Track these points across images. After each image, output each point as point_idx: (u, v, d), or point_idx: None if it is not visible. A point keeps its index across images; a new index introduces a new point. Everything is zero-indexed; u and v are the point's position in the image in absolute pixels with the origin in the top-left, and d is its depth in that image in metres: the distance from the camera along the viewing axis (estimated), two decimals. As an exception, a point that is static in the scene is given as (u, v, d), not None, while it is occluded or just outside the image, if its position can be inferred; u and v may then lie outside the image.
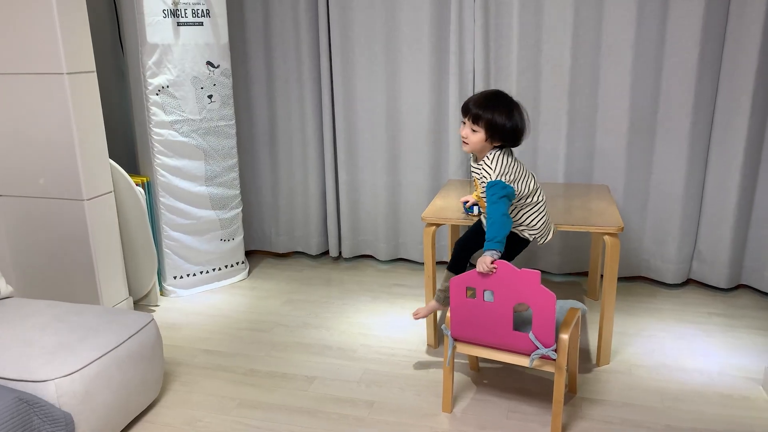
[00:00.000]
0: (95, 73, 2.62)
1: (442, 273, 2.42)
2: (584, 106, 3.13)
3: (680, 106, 2.99)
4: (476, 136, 2.01)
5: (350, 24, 3.31)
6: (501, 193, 1.98)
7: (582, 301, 3.08)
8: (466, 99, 2.09)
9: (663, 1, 2.89)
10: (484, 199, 2.06)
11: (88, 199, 2.60)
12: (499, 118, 1.97)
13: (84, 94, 2.56)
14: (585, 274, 3.39)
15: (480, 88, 3.21)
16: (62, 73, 2.46)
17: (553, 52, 3.09)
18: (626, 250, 3.26)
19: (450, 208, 2.60)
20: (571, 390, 2.27)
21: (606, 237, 2.30)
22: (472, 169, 2.16)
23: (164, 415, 2.19)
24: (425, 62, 3.26)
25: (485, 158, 2.05)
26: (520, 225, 2.16)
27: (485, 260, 1.92)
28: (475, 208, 2.43)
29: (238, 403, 2.25)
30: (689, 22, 2.87)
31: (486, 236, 1.98)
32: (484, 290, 1.95)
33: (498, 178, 1.99)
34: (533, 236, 2.18)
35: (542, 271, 3.44)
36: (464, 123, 2.04)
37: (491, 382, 2.36)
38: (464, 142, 2.05)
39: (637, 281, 3.33)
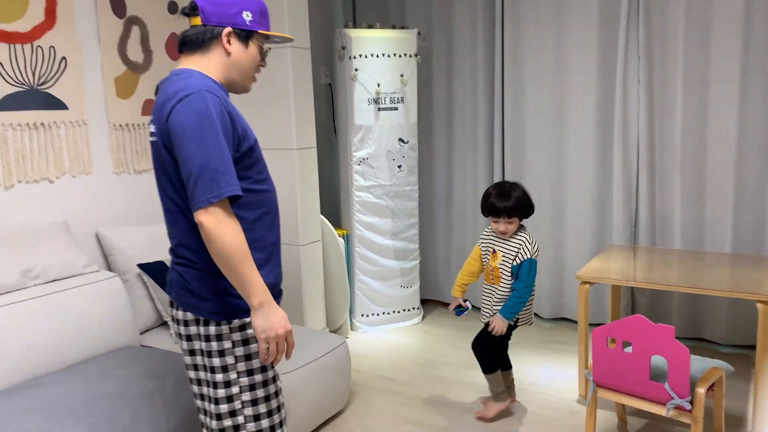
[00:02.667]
0: (315, 149, 3.38)
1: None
2: (752, 179, 3.19)
3: None
4: (513, 224, 2.51)
5: (522, 106, 3.77)
6: (535, 273, 2.51)
7: (750, 374, 3.05)
8: (491, 199, 2.51)
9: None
10: (504, 269, 2.54)
11: (303, 245, 3.32)
12: (520, 200, 2.49)
13: (306, 164, 3.32)
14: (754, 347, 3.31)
15: (644, 160, 3.42)
16: (293, 149, 3.25)
17: (718, 127, 3.23)
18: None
19: (609, 269, 2.84)
20: (717, 450, 2.35)
21: (759, 305, 2.39)
22: (493, 240, 2.61)
23: (347, 422, 2.72)
24: (590, 137, 3.57)
25: (519, 235, 2.54)
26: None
27: (503, 327, 2.50)
28: (465, 309, 2.76)
29: (406, 421, 2.70)
30: None
31: (508, 304, 2.49)
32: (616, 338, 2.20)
33: (533, 257, 2.50)
34: (519, 319, 2.61)
35: (707, 341, 3.44)
36: (497, 222, 2.52)
37: (636, 434, 2.52)
38: (505, 234, 2.53)
39: (819, 360, 3.17)
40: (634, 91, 3.42)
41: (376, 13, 4.26)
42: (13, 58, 2.46)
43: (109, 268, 2.79)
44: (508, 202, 2.46)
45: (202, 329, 1.57)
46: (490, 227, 2.64)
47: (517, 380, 3.08)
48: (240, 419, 1.57)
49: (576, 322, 3.86)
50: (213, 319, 1.55)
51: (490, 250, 2.61)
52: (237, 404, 1.57)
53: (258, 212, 1.59)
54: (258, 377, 1.58)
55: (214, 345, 1.56)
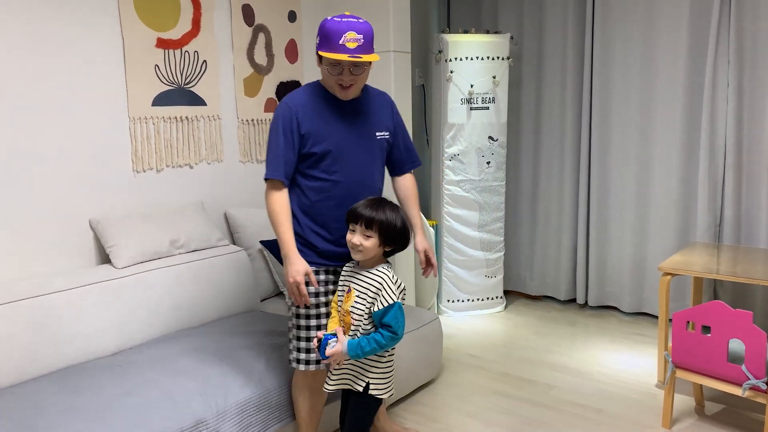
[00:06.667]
0: (411, 144, 3.69)
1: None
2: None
3: None
4: (370, 242, 1.93)
5: (609, 106, 3.93)
6: (402, 322, 1.92)
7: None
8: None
9: None
10: (357, 312, 1.96)
11: (397, 232, 3.64)
12: (390, 219, 1.93)
13: (403, 158, 3.64)
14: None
15: (732, 161, 3.51)
16: (392, 144, 3.57)
17: (809, 130, 3.28)
18: None
19: (692, 262, 2.97)
20: (794, 434, 2.46)
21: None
22: (352, 275, 2.03)
23: (439, 389, 3.01)
24: (677, 137, 3.70)
25: (381, 269, 1.97)
26: (386, 374, 2.02)
27: (340, 359, 1.92)
28: (332, 343, 1.95)
29: (492, 392, 2.97)
30: None
31: (362, 342, 1.90)
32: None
33: (399, 301, 1.93)
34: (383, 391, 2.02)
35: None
36: (353, 231, 1.96)
37: (713, 416, 2.67)
38: (357, 250, 1.95)
39: None
40: (722, 93, 3.52)
41: (469, 19, 4.53)
42: (167, 62, 2.91)
43: (234, 243, 3.21)
44: (373, 213, 1.92)
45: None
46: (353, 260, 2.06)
47: (596, 363, 3.28)
48: (290, 335, 2.19)
49: (656, 316, 3.98)
50: (281, 262, 2.14)
51: (346, 287, 2.03)
52: (289, 324, 2.18)
53: (321, 195, 2.09)
54: (301, 309, 2.12)
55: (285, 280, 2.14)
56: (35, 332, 2.26)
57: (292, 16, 3.49)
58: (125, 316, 2.52)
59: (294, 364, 2.15)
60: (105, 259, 2.71)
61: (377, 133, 2.16)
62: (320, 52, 1.99)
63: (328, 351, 1.91)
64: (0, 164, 2.38)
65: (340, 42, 1.93)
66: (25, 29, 2.42)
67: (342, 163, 2.07)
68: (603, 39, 3.90)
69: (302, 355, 2.14)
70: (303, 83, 3.60)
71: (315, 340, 2.01)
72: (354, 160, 2.09)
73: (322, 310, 2.13)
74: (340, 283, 2.08)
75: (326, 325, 2.12)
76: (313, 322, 2.12)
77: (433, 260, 2.25)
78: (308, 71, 3.63)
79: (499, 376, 3.15)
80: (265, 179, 2.06)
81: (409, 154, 2.33)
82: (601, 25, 3.90)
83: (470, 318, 4.09)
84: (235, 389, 2.19)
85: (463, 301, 4.13)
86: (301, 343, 2.13)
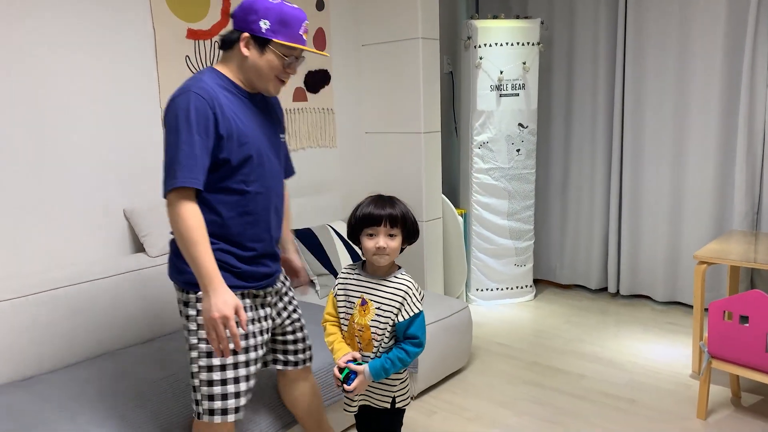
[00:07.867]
0: (439, 133, 3.67)
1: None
2: None
3: None
4: (396, 241, 1.75)
5: (642, 93, 3.85)
6: (425, 331, 1.76)
7: None
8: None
9: None
10: (380, 328, 1.74)
11: (426, 221, 3.62)
12: (407, 211, 1.80)
13: (431, 147, 3.62)
14: None
15: (770, 146, 3.42)
16: (420, 133, 3.55)
17: None
18: None
19: (728, 251, 2.91)
20: (836, 427, 2.40)
21: None
22: (361, 285, 1.80)
23: (469, 378, 3.01)
24: (713, 124, 3.60)
25: (400, 276, 1.79)
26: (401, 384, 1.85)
27: (363, 387, 1.73)
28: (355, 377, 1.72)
29: (523, 381, 2.95)
30: None
31: (385, 364, 1.72)
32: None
33: (422, 310, 1.76)
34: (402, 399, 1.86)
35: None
36: (373, 235, 1.74)
37: (750, 408, 2.61)
38: (384, 254, 1.74)
39: None
40: (761, 78, 3.41)
41: (498, 4, 4.47)
42: (198, 52, 2.94)
43: (264, 233, 3.23)
44: (393, 210, 1.75)
45: (178, 295, 1.73)
46: (352, 265, 1.88)
47: (629, 353, 3.23)
48: (195, 381, 1.68)
49: (690, 306, 3.90)
50: (183, 288, 1.70)
51: (357, 299, 1.80)
52: (194, 367, 1.68)
53: (236, 210, 1.67)
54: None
55: (184, 310, 1.71)
56: (73, 319, 2.31)
57: (320, 5, 3.48)
58: (159, 303, 2.57)
59: (206, 417, 1.67)
60: (139, 247, 2.76)
61: (281, 135, 1.86)
62: (279, 41, 1.64)
63: (350, 386, 1.70)
64: (37, 156, 2.43)
65: (300, 32, 1.67)
66: (59, 23, 2.46)
67: (260, 171, 1.71)
68: (636, 23, 3.81)
69: (217, 404, 1.67)
70: (331, 72, 3.60)
71: (336, 370, 1.73)
72: (270, 167, 1.75)
73: (250, 342, 1.70)
74: (343, 294, 1.82)
75: (255, 360, 1.74)
76: (240, 358, 1.68)
77: (302, 274, 2.01)
78: (336, 59, 3.63)
79: (529, 365, 3.13)
80: (172, 189, 1.54)
81: (287, 161, 1.99)
82: (634, 9, 3.80)
83: (499, 307, 4.06)
84: (268, 375, 2.22)
85: (492, 290, 4.11)
86: (215, 388, 1.66)
